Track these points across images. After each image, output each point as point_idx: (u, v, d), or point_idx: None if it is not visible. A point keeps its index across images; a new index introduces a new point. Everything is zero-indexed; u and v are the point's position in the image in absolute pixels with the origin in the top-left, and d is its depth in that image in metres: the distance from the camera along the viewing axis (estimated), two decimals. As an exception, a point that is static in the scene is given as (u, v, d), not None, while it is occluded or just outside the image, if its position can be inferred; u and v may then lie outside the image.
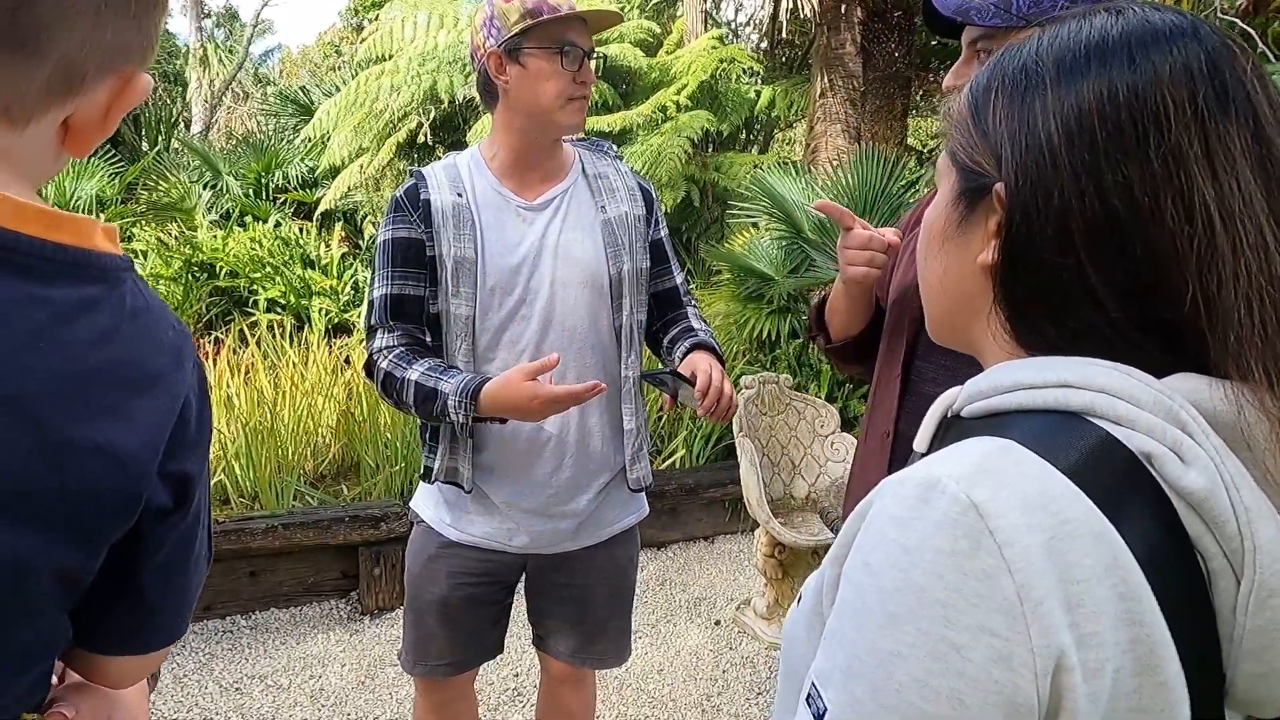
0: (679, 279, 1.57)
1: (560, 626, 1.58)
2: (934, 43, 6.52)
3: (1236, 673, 0.45)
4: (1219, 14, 2.32)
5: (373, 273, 1.41)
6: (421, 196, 1.38)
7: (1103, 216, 0.46)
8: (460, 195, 1.39)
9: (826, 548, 2.96)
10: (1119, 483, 0.44)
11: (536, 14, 1.31)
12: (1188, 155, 0.45)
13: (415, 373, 1.33)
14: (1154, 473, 0.44)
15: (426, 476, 1.46)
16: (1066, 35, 0.50)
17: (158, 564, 0.58)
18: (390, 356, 1.37)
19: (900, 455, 1.17)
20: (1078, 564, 0.42)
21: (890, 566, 0.44)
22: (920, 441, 0.57)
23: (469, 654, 1.56)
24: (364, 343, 1.46)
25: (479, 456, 1.43)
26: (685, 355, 1.43)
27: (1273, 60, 2.19)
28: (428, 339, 1.41)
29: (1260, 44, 2.31)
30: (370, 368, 1.41)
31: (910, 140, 7.07)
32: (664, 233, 1.53)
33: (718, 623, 2.97)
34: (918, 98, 8.81)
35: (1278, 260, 0.45)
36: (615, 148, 1.57)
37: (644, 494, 1.59)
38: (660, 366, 1.50)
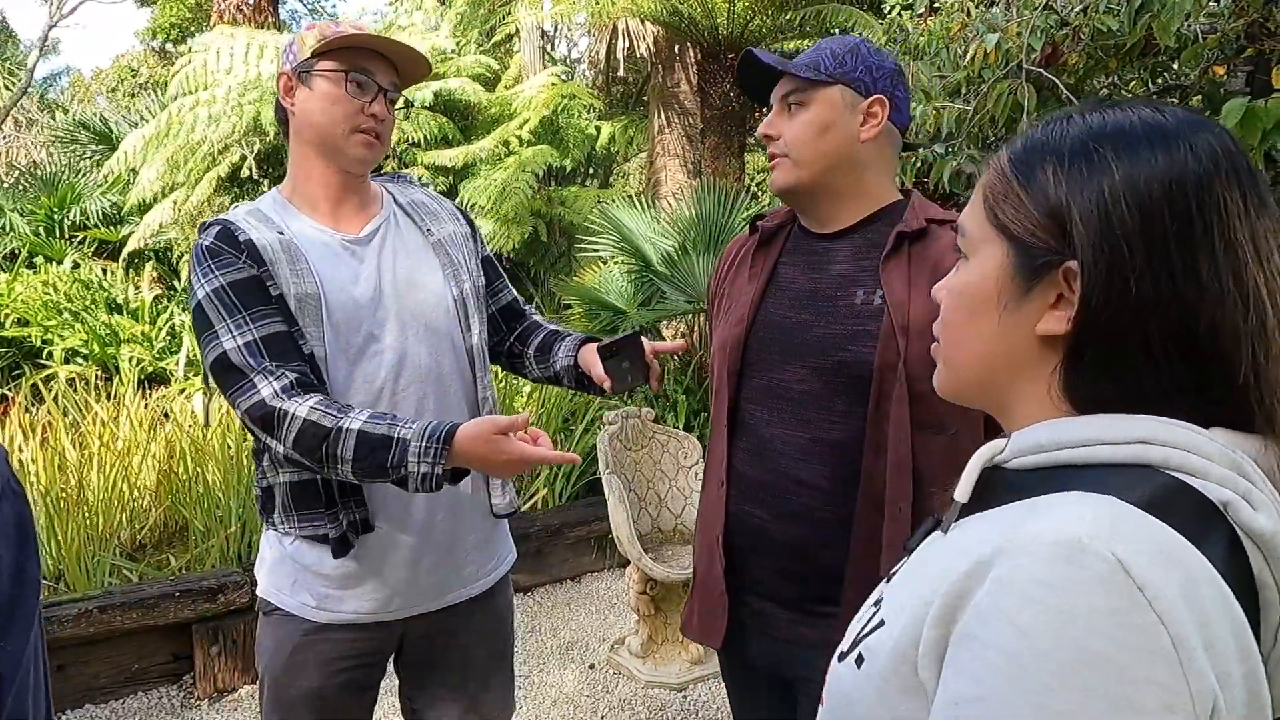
0: (513, 293, 1.57)
1: (442, 695, 1.46)
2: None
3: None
4: (1024, 65, 2.54)
5: (210, 333, 1.21)
6: (239, 237, 1.23)
7: (1173, 297, 0.51)
8: (282, 233, 1.28)
9: (698, 580, 2.94)
10: (1203, 527, 0.49)
11: (331, 37, 1.27)
12: (1242, 243, 0.51)
13: (356, 421, 1.15)
14: (1228, 518, 0.49)
15: (336, 545, 1.27)
16: (1117, 119, 0.55)
17: None
18: (309, 403, 1.16)
19: (740, 496, 1.24)
20: (1207, 609, 0.45)
21: (1046, 628, 0.44)
22: (962, 492, 0.57)
23: None
24: (228, 397, 1.18)
25: (360, 510, 1.29)
26: (576, 349, 1.43)
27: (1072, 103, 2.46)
28: (318, 382, 1.23)
29: (1063, 91, 2.56)
30: (268, 420, 1.16)
31: (748, 175, 7.39)
32: (489, 250, 1.54)
33: (592, 666, 2.90)
34: (754, 136, 9.29)
35: None
36: (418, 178, 1.55)
37: (509, 536, 1.53)
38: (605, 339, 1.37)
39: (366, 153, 1.31)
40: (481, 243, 1.51)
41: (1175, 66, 2.60)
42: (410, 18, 8.46)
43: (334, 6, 21.26)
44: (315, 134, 1.29)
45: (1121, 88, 2.72)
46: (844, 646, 0.59)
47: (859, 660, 0.55)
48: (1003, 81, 2.57)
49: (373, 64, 1.30)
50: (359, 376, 1.29)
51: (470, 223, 1.51)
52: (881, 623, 0.55)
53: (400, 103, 1.41)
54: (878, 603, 0.59)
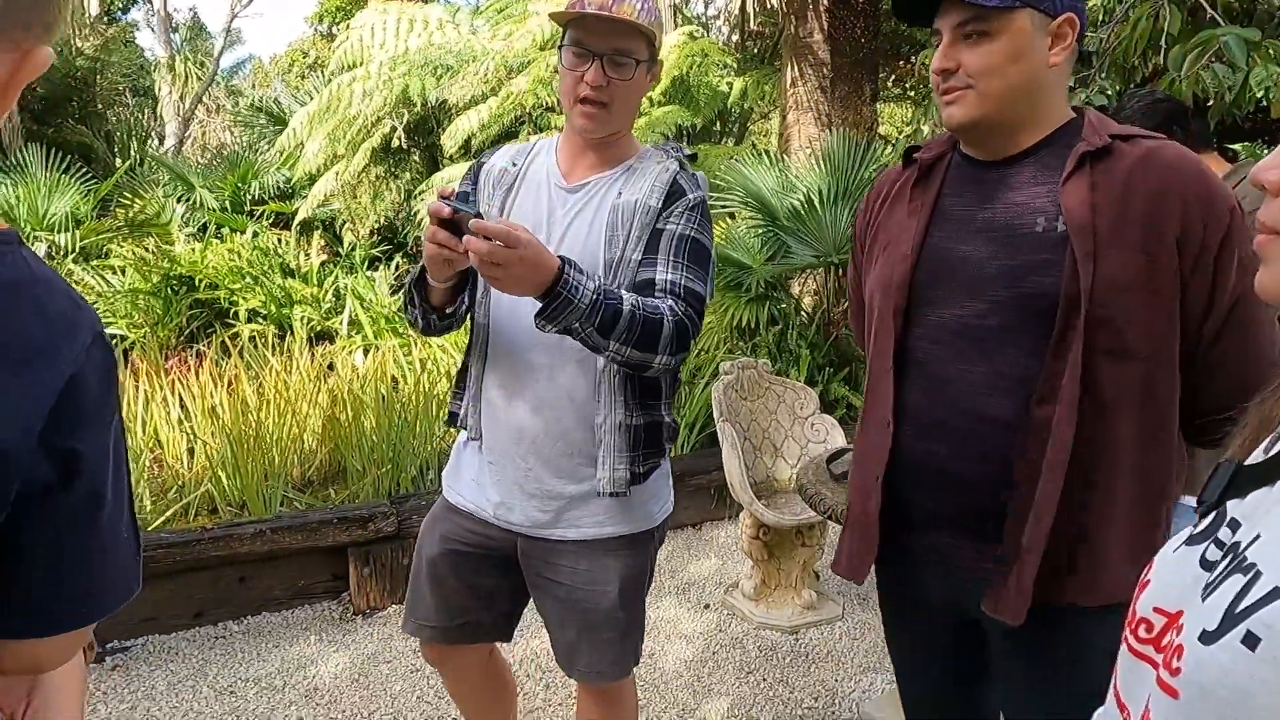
0: (667, 276, 1.36)
1: (549, 626, 1.55)
2: (902, 29, 6.57)
3: None
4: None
5: None
6: (484, 163, 1.52)
7: None
8: (515, 165, 1.48)
9: (809, 527, 2.98)
10: None
11: (570, 9, 1.35)
12: None
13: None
14: None
15: (450, 418, 1.54)
16: None
17: (46, 543, 0.55)
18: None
19: (915, 434, 1.18)
20: None
21: None
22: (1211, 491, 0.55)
23: (454, 626, 1.56)
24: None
25: (483, 403, 1.47)
26: None
27: (1223, 24, 2.24)
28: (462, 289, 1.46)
29: (1210, 10, 2.36)
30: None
31: (883, 125, 7.13)
32: (674, 229, 1.38)
33: (707, 606, 3.01)
34: (889, 83, 8.88)
35: None
36: (683, 149, 1.51)
37: (651, 503, 1.49)
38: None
39: (587, 123, 1.38)
40: (670, 219, 1.39)
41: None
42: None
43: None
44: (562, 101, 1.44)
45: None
46: (1209, 625, 0.48)
47: (1249, 641, 0.45)
48: (1144, 4, 2.38)
49: (587, 31, 1.34)
50: (490, 300, 1.45)
51: (671, 199, 1.40)
52: (1276, 590, 0.45)
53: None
54: (1245, 567, 0.48)
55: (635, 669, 1.59)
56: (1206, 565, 0.52)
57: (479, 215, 1.14)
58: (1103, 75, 2.70)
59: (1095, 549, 1.10)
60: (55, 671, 0.61)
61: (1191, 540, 0.57)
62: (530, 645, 2.65)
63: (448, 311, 1.43)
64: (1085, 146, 1.09)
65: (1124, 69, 2.63)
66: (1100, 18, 2.66)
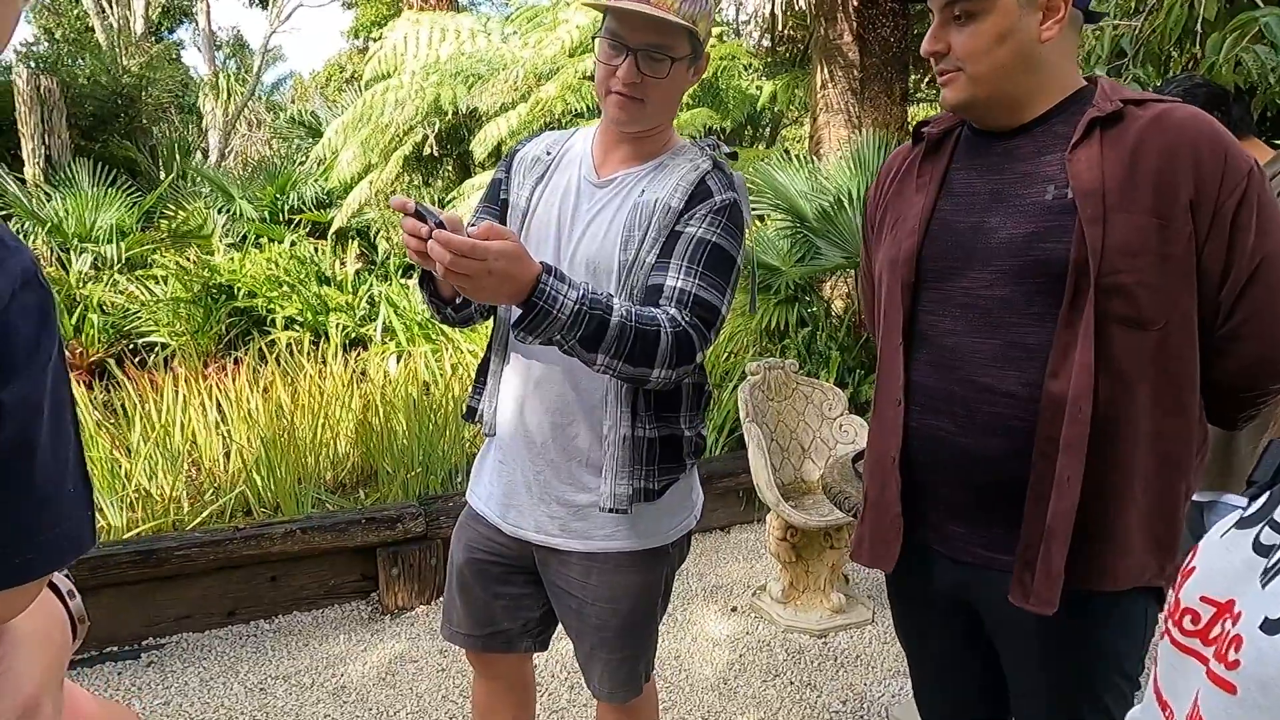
0: (677, 283, 1.28)
1: (571, 638, 1.53)
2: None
3: None
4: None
5: None
6: (519, 149, 1.49)
7: None
8: (549, 153, 1.45)
9: (837, 528, 2.94)
10: None
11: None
12: None
13: None
14: None
15: (467, 413, 1.52)
16: None
17: None
18: None
19: (922, 410, 1.15)
20: None
21: None
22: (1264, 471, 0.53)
23: (485, 635, 1.54)
24: None
25: (499, 400, 1.45)
26: None
27: (1261, 5, 2.17)
28: None
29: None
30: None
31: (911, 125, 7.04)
32: (693, 232, 1.30)
33: (734, 609, 2.98)
34: (923, 84, 8.77)
35: None
36: (720, 147, 1.43)
37: (667, 518, 1.43)
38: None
39: (619, 113, 1.33)
40: (690, 222, 1.32)
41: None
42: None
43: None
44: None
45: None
46: (1273, 612, 0.45)
47: None
48: (1179, -11, 2.31)
49: (623, 23, 1.29)
50: None
51: (694, 201, 1.34)
52: None
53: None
54: None
55: (661, 671, 1.56)
56: (1262, 550, 0.49)
57: (440, 225, 1.07)
58: (1137, 65, 2.63)
59: (1113, 530, 1.06)
60: (19, 624, 0.58)
61: (1243, 523, 0.53)
62: (557, 646, 2.64)
63: (458, 302, 1.41)
64: (1095, 112, 1.06)
65: (1159, 58, 2.56)
66: (1134, 6, 2.60)
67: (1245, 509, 0.55)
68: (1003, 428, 1.09)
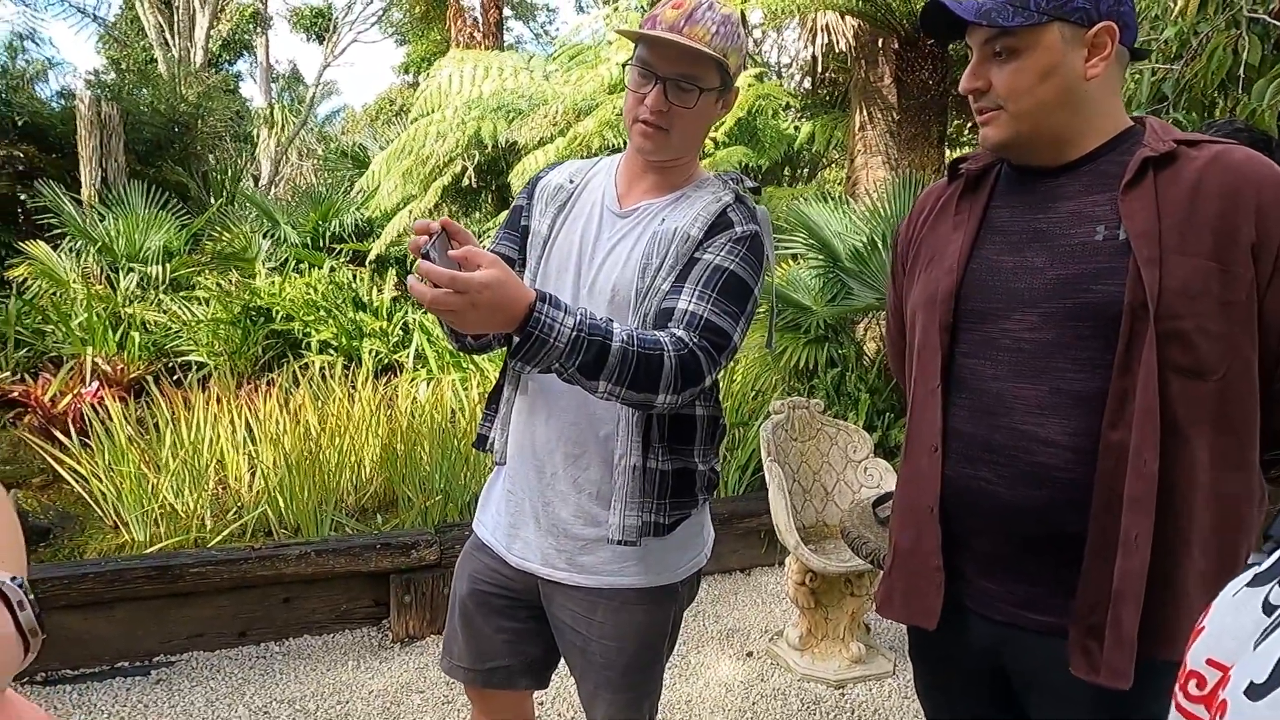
0: (689, 306, 1.25)
1: (574, 675, 1.47)
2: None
3: None
4: (1245, 12, 2.26)
5: None
6: (542, 177, 1.48)
7: None
8: (572, 182, 1.44)
9: (858, 575, 2.85)
10: None
11: (642, 27, 1.32)
12: None
13: None
14: None
15: (478, 441, 1.48)
16: None
17: None
18: None
19: (960, 459, 1.10)
20: None
21: None
22: None
23: (485, 669, 1.50)
24: None
25: (510, 428, 1.42)
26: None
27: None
28: None
29: (1290, 43, 2.23)
30: None
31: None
32: (710, 259, 1.28)
33: (750, 654, 2.89)
34: (965, 129, 8.74)
35: None
36: (743, 180, 1.41)
37: (674, 555, 1.39)
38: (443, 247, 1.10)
39: (644, 142, 1.32)
40: (708, 249, 1.30)
41: None
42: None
43: (556, 28, 22.66)
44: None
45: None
46: (1258, 676, 0.43)
47: None
48: (1221, 33, 2.27)
49: (654, 52, 1.29)
50: None
51: (713, 231, 1.31)
52: None
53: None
54: None
55: (671, 715, 1.50)
56: (1270, 609, 0.46)
57: (426, 256, 1.04)
58: (1178, 110, 2.58)
59: (1174, 592, 0.99)
60: None
61: (1256, 581, 0.50)
62: (561, 684, 2.59)
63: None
64: (1148, 151, 1.02)
65: (1202, 104, 2.51)
66: (1176, 50, 2.55)
67: (1260, 564, 0.51)
68: (1047, 479, 1.03)
